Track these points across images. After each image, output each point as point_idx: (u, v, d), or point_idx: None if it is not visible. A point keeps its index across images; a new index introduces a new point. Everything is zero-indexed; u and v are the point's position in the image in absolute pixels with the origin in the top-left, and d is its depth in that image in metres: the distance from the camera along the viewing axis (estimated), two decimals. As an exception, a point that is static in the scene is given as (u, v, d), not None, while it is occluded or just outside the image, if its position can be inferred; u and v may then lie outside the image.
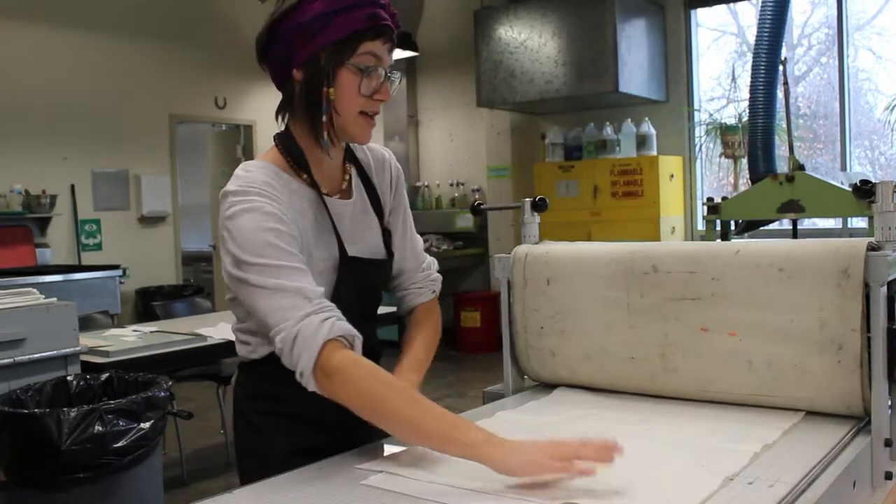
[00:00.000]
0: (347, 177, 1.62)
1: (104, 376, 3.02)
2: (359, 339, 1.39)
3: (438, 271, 1.81)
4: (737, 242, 1.65)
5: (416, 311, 1.75)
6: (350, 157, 1.64)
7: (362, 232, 1.60)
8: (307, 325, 1.34)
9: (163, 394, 2.83)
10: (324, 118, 1.48)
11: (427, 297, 1.76)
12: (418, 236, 1.78)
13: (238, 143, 8.89)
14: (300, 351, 1.33)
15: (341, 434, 1.53)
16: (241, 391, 1.63)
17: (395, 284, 1.75)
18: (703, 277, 1.62)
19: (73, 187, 7.34)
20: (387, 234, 1.66)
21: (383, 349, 1.68)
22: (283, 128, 1.57)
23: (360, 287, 1.58)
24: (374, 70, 1.47)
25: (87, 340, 3.42)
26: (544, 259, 1.85)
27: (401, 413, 1.31)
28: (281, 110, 1.56)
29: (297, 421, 1.55)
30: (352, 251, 1.55)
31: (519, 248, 1.92)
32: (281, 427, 1.56)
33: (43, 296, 3.14)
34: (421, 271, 1.76)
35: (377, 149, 1.71)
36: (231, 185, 1.45)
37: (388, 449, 1.44)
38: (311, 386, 1.35)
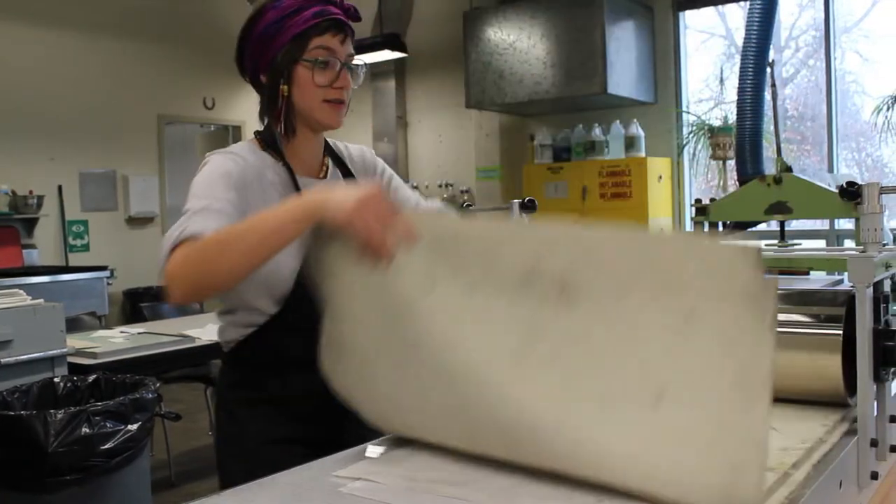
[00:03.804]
0: (325, 167, 1.71)
1: (91, 378, 3.00)
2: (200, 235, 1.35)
3: None
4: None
5: None
6: (329, 152, 1.74)
7: None
8: (171, 233, 1.35)
9: (150, 395, 2.82)
10: (278, 110, 1.60)
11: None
12: (411, 194, 1.83)
13: (227, 143, 8.86)
14: (161, 250, 1.34)
15: (319, 427, 1.59)
16: (223, 379, 1.69)
17: None
18: None
19: (60, 188, 7.31)
20: None
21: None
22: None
23: None
24: (329, 61, 1.59)
25: (75, 342, 3.41)
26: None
27: (231, 232, 1.32)
28: (261, 113, 1.68)
29: (276, 410, 1.60)
30: None
31: None
32: (258, 415, 1.60)
33: (30, 297, 3.13)
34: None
35: (355, 146, 1.83)
36: (212, 152, 1.59)
37: (367, 456, 1.43)
38: (164, 281, 1.32)
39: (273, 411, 1.60)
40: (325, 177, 1.70)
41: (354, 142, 1.86)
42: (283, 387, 1.59)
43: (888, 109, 5.49)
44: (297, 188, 1.59)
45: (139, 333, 3.84)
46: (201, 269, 1.30)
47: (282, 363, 1.59)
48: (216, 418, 1.71)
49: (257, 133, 1.67)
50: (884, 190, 1.55)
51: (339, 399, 1.51)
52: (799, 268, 3.99)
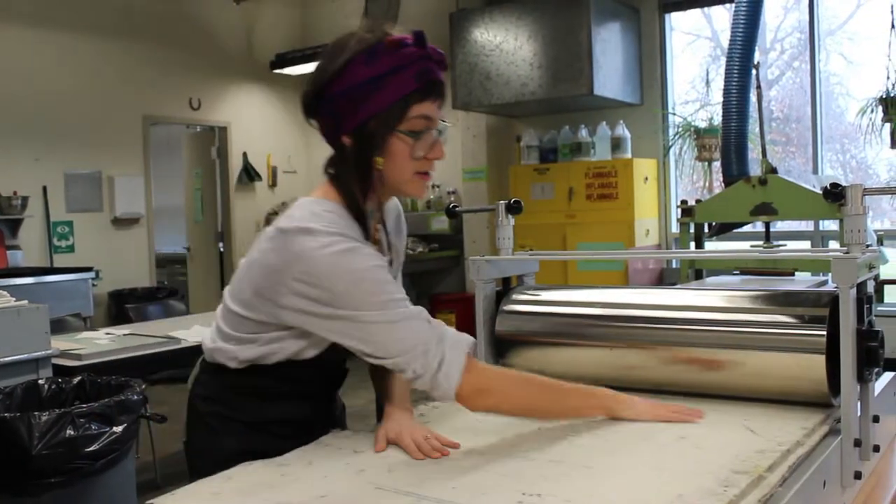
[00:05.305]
0: (379, 225, 1.59)
1: (76, 380, 2.99)
2: (475, 343, 1.46)
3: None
4: None
5: None
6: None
7: None
8: (434, 358, 1.37)
9: (136, 397, 2.81)
10: (370, 188, 1.45)
11: None
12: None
13: (213, 144, 8.82)
14: (444, 378, 1.38)
15: (294, 442, 1.52)
16: (198, 389, 1.60)
17: None
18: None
19: (45, 189, 7.26)
20: None
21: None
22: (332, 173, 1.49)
23: None
24: (427, 132, 1.44)
25: (59, 343, 3.39)
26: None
27: (545, 408, 1.52)
28: (333, 165, 1.48)
29: (252, 428, 1.53)
30: None
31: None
32: (234, 430, 1.53)
33: (14, 298, 3.11)
34: None
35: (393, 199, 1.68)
36: (312, 223, 1.37)
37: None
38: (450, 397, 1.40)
39: (247, 429, 1.53)
40: (378, 242, 1.56)
41: None
42: (259, 412, 1.53)
43: (872, 111, 5.53)
44: None
45: (124, 335, 3.82)
46: (500, 406, 1.46)
47: (265, 394, 1.53)
48: (188, 420, 1.62)
49: (344, 194, 1.46)
50: (867, 191, 1.56)
51: (315, 419, 1.59)
52: (784, 269, 4.02)
